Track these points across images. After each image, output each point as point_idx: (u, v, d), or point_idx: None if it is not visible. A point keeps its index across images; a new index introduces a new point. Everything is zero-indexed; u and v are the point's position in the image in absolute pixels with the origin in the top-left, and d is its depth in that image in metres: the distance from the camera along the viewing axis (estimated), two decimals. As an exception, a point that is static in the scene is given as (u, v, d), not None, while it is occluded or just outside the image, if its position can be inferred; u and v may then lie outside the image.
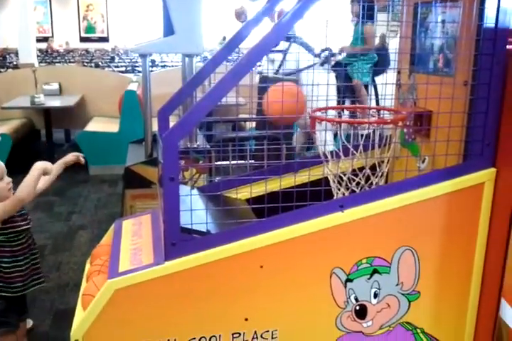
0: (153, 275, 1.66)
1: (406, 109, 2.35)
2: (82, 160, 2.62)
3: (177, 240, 1.67)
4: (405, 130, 2.42)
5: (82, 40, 18.37)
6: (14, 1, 10.25)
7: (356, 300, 1.87)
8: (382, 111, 2.45)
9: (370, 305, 1.89)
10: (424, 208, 1.88)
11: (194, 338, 1.74)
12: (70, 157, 2.51)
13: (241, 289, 1.76)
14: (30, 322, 2.68)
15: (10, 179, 2.20)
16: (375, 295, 1.89)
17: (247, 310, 1.77)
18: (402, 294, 1.91)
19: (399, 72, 2.60)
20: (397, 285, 1.90)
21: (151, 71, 7.92)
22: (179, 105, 2.50)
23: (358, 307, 1.87)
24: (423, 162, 2.34)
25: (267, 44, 1.70)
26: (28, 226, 2.27)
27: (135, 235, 2.00)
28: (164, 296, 1.69)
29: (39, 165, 2.21)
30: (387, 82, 2.44)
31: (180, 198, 1.65)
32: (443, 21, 2.20)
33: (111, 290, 1.62)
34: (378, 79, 5.11)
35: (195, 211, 1.78)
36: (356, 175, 2.22)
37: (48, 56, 13.99)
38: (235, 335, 1.77)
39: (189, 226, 1.73)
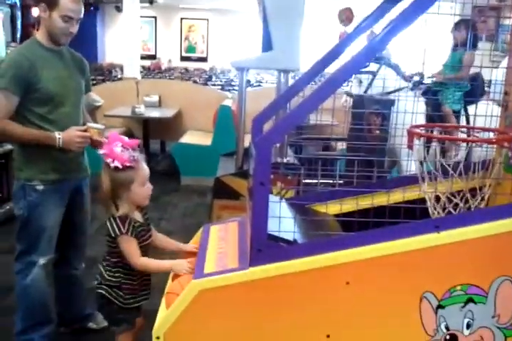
0: (237, 279, 1.64)
1: (512, 131, 2.21)
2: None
3: (263, 247, 1.65)
4: (510, 153, 2.27)
5: (183, 59, 19.13)
6: (122, 20, 10.87)
7: (447, 328, 1.75)
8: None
9: (462, 335, 1.76)
10: (527, 236, 1.74)
11: (273, 349, 1.69)
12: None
13: (325, 304, 1.70)
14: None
15: (151, 186, 2.14)
16: (468, 326, 1.76)
17: (329, 326, 1.70)
18: (498, 328, 1.77)
19: (506, 93, 2.47)
20: (493, 317, 1.76)
21: (246, 88, 8.07)
22: (273, 116, 2.51)
23: (448, 337, 1.75)
24: (528, 188, 2.18)
25: (359, 60, 1.69)
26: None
27: (222, 240, 2.01)
28: (246, 302, 1.66)
29: (178, 268, 1.99)
30: (484, 112, 2.31)
31: (268, 206, 1.63)
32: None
33: (195, 290, 1.62)
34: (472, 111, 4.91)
35: (282, 220, 1.75)
36: (455, 197, 2.11)
37: (149, 73, 14.69)
38: (315, 351, 1.70)
39: (276, 234, 1.71)
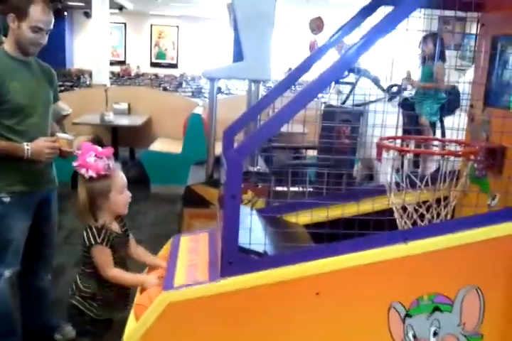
0: (207, 292, 1.64)
1: (478, 143, 2.27)
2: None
3: (234, 259, 1.65)
4: (476, 165, 2.33)
5: (153, 65, 19.04)
6: (91, 25, 10.78)
7: (414, 337, 1.78)
8: (450, 145, 2.38)
9: (429, 344, 1.79)
10: (493, 247, 1.79)
11: (242, 360, 1.69)
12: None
13: (295, 315, 1.71)
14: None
15: (130, 194, 2.13)
16: (435, 334, 1.79)
17: (300, 336, 1.71)
18: (464, 335, 1.81)
19: (471, 106, 2.54)
20: (458, 325, 1.80)
21: (217, 97, 8.06)
22: (244, 127, 2.52)
23: (415, 345, 1.78)
24: (493, 199, 2.24)
25: (334, 72, 1.72)
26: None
27: (192, 251, 2.00)
28: (216, 314, 1.66)
29: (150, 284, 1.94)
30: (457, 120, 2.37)
31: (239, 218, 1.63)
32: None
33: (165, 302, 1.61)
34: (447, 121, 5.02)
35: (253, 231, 1.76)
36: (421, 207, 2.15)
37: (119, 79, 14.58)
38: (285, 362, 1.71)
39: (247, 246, 1.71)
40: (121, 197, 2.08)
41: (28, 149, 2.33)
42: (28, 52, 2.39)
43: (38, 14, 2.29)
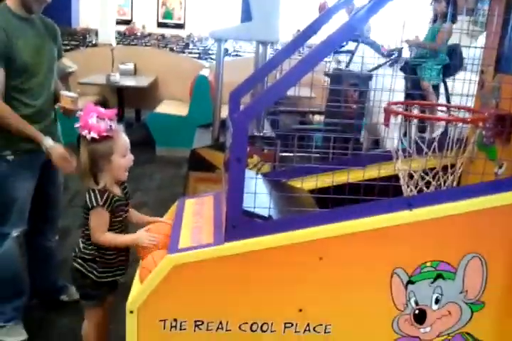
0: (211, 254, 1.65)
1: (487, 110, 2.23)
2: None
3: (238, 222, 1.65)
4: (484, 132, 2.30)
5: (159, 25, 18.75)
6: (98, -17, 10.56)
7: (416, 303, 1.79)
8: (457, 111, 2.34)
9: (431, 310, 1.80)
10: (497, 215, 1.77)
11: (246, 323, 1.71)
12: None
13: (298, 279, 1.72)
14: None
15: (132, 157, 2.09)
16: (437, 301, 1.80)
17: (302, 300, 1.73)
18: (466, 303, 1.82)
19: (482, 72, 2.48)
20: (460, 292, 1.81)
21: (224, 59, 7.96)
22: (250, 90, 2.48)
23: (417, 312, 1.80)
24: (500, 167, 2.22)
25: (341, 35, 1.67)
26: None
27: (197, 214, 2.00)
28: (220, 277, 1.67)
29: (140, 240, 2.00)
30: (462, 83, 2.32)
31: (244, 182, 1.63)
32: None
33: (169, 265, 1.62)
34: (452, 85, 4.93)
35: (257, 196, 1.75)
36: (427, 174, 2.13)
37: (125, 38, 14.37)
38: (287, 325, 1.73)
39: (251, 210, 1.71)
40: (123, 160, 2.04)
41: (45, 148, 2.34)
42: (32, 9, 2.33)
43: None
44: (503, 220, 1.78)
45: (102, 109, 1.99)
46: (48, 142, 2.35)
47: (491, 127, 2.21)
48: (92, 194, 2.00)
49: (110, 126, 1.96)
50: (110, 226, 2.04)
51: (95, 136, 1.94)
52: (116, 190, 2.08)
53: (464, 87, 2.34)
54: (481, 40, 4.48)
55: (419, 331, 1.81)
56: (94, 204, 1.98)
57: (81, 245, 2.08)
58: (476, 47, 2.46)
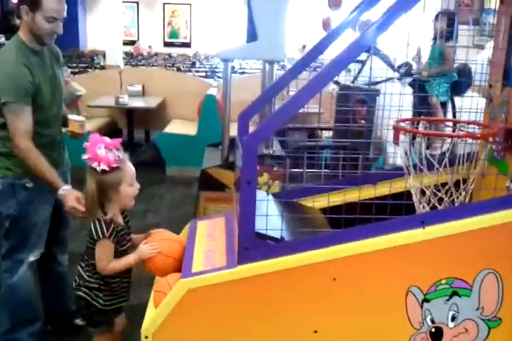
0: (225, 278, 1.65)
1: (496, 125, 2.23)
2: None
3: (250, 245, 1.65)
4: (494, 146, 2.29)
5: (166, 44, 18.95)
6: (104, 5, 10.70)
7: (432, 321, 1.78)
8: (466, 127, 2.34)
9: (447, 328, 1.79)
10: (510, 230, 1.76)
11: (262, 345, 1.71)
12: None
13: (312, 300, 1.71)
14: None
15: (138, 185, 2.11)
16: (453, 319, 1.79)
17: (317, 322, 1.72)
18: (482, 319, 1.81)
19: (490, 86, 2.48)
20: (477, 309, 1.80)
21: (231, 77, 8.01)
22: (259, 111, 2.50)
23: (433, 330, 1.78)
24: (512, 181, 2.21)
25: (350, 54, 1.67)
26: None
27: (209, 237, 2.01)
28: (235, 300, 1.67)
29: (142, 254, 2.03)
30: (470, 100, 2.32)
31: (255, 204, 1.63)
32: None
33: (184, 289, 1.63)
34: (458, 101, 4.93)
35: (269, 217, 1.76)
36: (439, 191, 2.13)
37: (132, 59, 14.52)
38: (303, 347, 1.72)
39: (263, 232, 1.71)
40: (131, 189, 2.07)
41: (60, 195, 2.31)
42: (44, 42, 2.35)
43: (52, 3, 2.24)
44: (517, 235, 1.77)
45: (107, 139, 2.01)
46: (64, 188, 2.33)
47: (500, 141, 2.20)
48: (98, 225, 2.01)
49: (118, 156, 1.99)
50: (115, 255, 2.05)
51: (105, 167, 1.96)
52: (120, 220, 2.09)
53: (472, 102, 2.35)
54: (487, 51, 4.50)
55: (437, 349, 1.80)
56: (101, 236, 2.00)
57: (85, 274, 2.09)
58: (482, 63, 2.45)
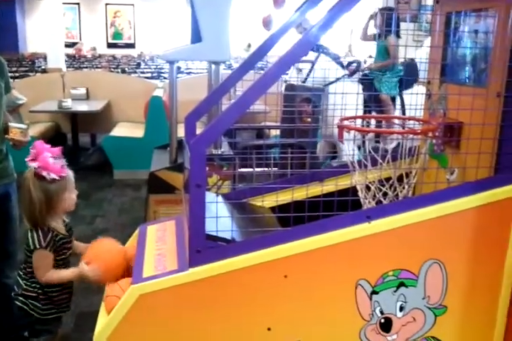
0: (177, 281, 1.65)
1: (436, 120, 2.32)
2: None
3: (202, 247, 1.66)
4: (434, 141, 2.38)
5: (109, 46, 18.63)
6: (44, 7, 10.42)
7: (381, 312, 1.83)
8: (410, 122, 2.42)
9: (396, 318, 1.85)
10: (453, 221, 1.84)
11: (217, 346, 1.72)
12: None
13: (264, 298, 1.74)
14: None
15: (77, 192, 2.12)
16: (401, 309, 1.85)
17: (270, 319, 1.75)
18: (429, 308, 1.87)
19: (429, 82, 2.57)
20: (423, 298, 1.86)
21: (177, 77, 7.97)
22: (205, 112, 2.50)
23: (383, 320, 1.84)
24: (452, 174, 2.30)
25: (295, 54, 1.69)
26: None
27: (159, 241, 2.00)
28: (187, 303, 1.67)
29: (87, 274, 2.00)
30: (414, 93, 2.41)
31: (205, 206, 1.64)
32: (476, 31, 2.17)
33: (135, 295, 1.62)
34: (406, 91, 5.08)
35: (220, 218, 1.77)
36: (384, 186, 2.19)
37: (75, 61, 14.20)
38: (257, 345, 1.74)
39: (214, 234, 1.72)
40: (73, 195, 2.08)
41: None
42: None
43: None
44: (458, 225, 1.84)
45: (48, 146, 1.98)
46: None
47: (440, 136, 2.29)
48: (35, 234, 1.98)
49: (62, 164, 1.97)
50: (56, 264, 2.03)
51: (56, 177, 1.94)
52: (61, 227, 2.06)
53: (417, 98, 2.43)
54: (426, 44, 4.63)
55: (387, 339, 1.85)
56: (37, 246, 1.97)
57: (23, 282, 2.05)
58: (420, 61, 2.54)
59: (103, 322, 1.69)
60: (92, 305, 2.17)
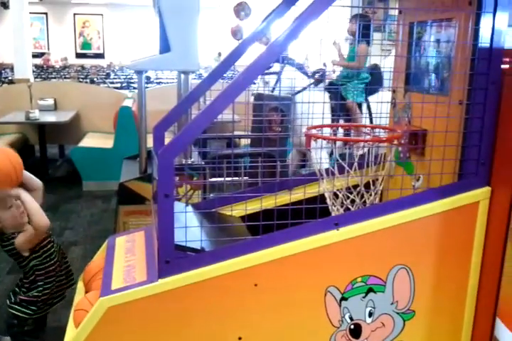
0: (146, 293, 1.64)
1: (401, 128, 2.36)
2: None
3: (171, 258, 1.65)
4: (400, 148, 2.42)
5: (78, 56, 18.48)
6: (11, 17, 10.29)
7: (351, 319, 1.85)
8: (377, 130, 2.46)
9: (365, 324, 1.87)
10: (418, 227, 1.87)
11: (188, 357, 1.71)
12: None
13: (235, 307, 1.74)
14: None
15: (19, 203, 2.14)
16: (370, 314, 1.87)
17: (241, 328, 1.75)
18: (397, 313, 1.90)
19: (393, 91, 2.62)
20: (392, 304, 1.89)
21: (147, 87, 7.93)
22: (174, 122, 2.50)
23: (352, 326, 1.86)
24: (418, 180, 2.34)
25: (261, 63, 1.71)
26: (56, 246, 2.28)
27: (128, 252, 1.98)
28: (157, 314, 1.66)
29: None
30: (381, 101, 2.46)
31: (174, 215, 1.64)
32: (438, 40, 2.22)
33: (103, 307, 1.60)
34: (372, 99, 5.15)
35: (189, 228, 1.76)
36: (352, 193, 2.22)
37: (43, 72, 14.02)
38: (228, 354, 1.74)
39: (183, 244, 1.72)
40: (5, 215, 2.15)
41: None
42: None
43: None
44: (424, 231, 1.88)
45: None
46: None
47: (405, 143, 2.33)
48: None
49: None
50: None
51: None
52: None
53: (381, 106, 2.47)
54: (393, 54, 4.70)
55: (357, 345, 1.87)
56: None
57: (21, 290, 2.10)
58: (383, 70, 2.58)
59: (71, 335, 1.67)
60: (60, 319, 2.13)
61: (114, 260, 1.93)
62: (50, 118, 6.24)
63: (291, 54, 5.33)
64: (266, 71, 4.96)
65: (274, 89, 5.05)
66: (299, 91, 4.82)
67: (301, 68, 5.28)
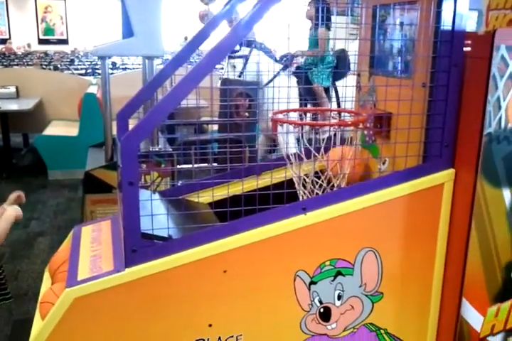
0: (113, 282, 1.62)
1: (366, 111, 2.37)
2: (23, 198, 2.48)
3: (137, 246, 1.63)
4: (365, 132, 2.43)
5: (41, 42, 18.03)
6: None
7: (320, 302, 1.87)
8: (343, 114, 2.46)
9: (334, 307, 1.89)
10: (385, 210, 1.89)
11: (157, 346, 1.70)
12: (13, 196, 2.35)
13: (204, 295, 1.73)
14: None
15: None
16: (339, 297, 1.89)
17: (210, 315, 1.75)
18: (366, 295, 1.92)
19: (358, 75, 2.62)
20: (360, 286, 1.91)
21: (112, 73, 7.81)
22: (139, 108, 2.46)
23: (322, 310, 1.87)
24: (383, 163, 2.36)
25: (225, 46, 1.68)
26: None
27: (95, 241, 1.95)
28: (125, 304, 1.65)
29: (14, 215, 2.17)
30: (347, 85, 2.46)
31: (140, 203, 1.61)
32: (401, 23, 2.23)
33: (70, 298, 1.57)
34: (341, 83, 5.18)
35: (156, 216, 1.74)
36: (319, 178, 2.23)
37: (4, 58, 13.63)
38: (199, 341, 1.74)
39: (150, 232, 1.70)
40: None
41: None
42: None
43: None
44: (391, 214, 1.90)
45: None
46: None
47: (370, 127, 2.34)
48: None
49: None
50: None
51: None
52: None
53: (347, 90, 2.47)
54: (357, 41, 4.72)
55: (326, 328, 1.89)
56: None
57: None
58: (349, 53, 2.58)
59: (38, 327, 1.64)
60: (27, 312, 2.10)
61: (80, 250, 1.90)
62: (12, 106, 6.10)
63: (259, 38, 5.30)
64: (233, 55, 4.93)
65: (241, 73, 5.02)
66: (270, 81, 4.81)
67: (268, 52, 5.25)
